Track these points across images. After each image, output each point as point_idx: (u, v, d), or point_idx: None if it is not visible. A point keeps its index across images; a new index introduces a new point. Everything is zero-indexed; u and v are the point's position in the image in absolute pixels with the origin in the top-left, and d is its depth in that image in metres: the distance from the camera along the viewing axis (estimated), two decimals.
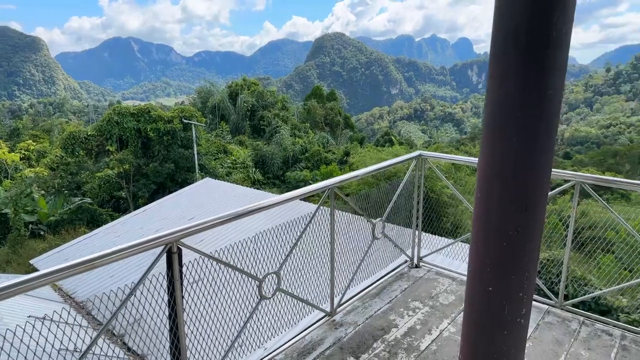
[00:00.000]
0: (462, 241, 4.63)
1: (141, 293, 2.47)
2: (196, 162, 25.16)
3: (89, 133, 24.67)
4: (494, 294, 2.32)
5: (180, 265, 2.60)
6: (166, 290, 2.59)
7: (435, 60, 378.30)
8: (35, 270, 11.86)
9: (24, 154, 29.59)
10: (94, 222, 21.86)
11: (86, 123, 64.79)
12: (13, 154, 28.15)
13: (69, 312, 2.32)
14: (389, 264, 4.66)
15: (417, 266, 4.89)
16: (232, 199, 15.49)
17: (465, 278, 4.51)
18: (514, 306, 2.32)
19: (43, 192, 23.67)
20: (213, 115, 39.04)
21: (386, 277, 4.60)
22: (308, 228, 3.49)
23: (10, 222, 19.88)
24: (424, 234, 4.99)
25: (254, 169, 31.14)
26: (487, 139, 2.14)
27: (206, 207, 15.12)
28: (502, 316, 2.31)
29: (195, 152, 25.15)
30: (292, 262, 3.47)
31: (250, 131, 40.41)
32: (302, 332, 3.68)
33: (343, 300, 4.04)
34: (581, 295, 4.42)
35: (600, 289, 5.06)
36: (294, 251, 3.40)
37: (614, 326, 3.77)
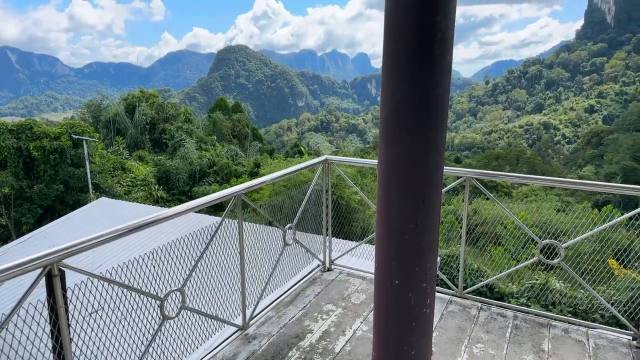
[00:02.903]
0: (368, 242, 4.76)
1: (15, 326, 2.11)
2: (89, 182, 22.97)
3: None
4: (400, 286, 2.40)
5: (64, 290, 2.28)
6: (47, 320, 2.25)
7: (337, 74, 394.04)
8: None
9: None
10: None
11: None
12: None
13: None
14: (301, 269, 4.63)
15: (329, 269, 4.92)
16: (132, 219, 14.36)
17: (374, 276, 4.65)
18: (420, 297, 2.41)
19: None
20: (107, 130, 36.14)
21: (299, 283, 4.55)
22: (214, 239, 3.32)
23: None
24: (335, 239, 5.06)
25: (156, 186, 29.34)
26: (383, 139, 2.22)
27: (104, 229, 13.83)
28: (409, 308, 2.39)
29: (88, 171, 22.96)
30: (198, 278, 3.26)
31: (151, 146, 38.11)
32: (213, 349, 3.47)
33: (256, 312, 3.90)
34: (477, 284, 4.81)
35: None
36: (199, 265, 3.20)
37: (507, 308, 4.14)
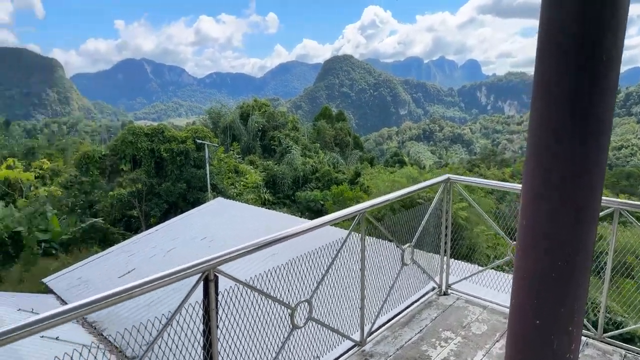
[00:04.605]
0: (493, 268, 4.49)
1: (177, 323, 2.39)
2: (208, 182, 25.25)
3: (103, 153, 24.95)
4: (541, 327, 2.22)
5: (217, 294, 2.53)
6: (202, 320, 2.51)
7: (444, 81, 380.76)
8: (49, 289, 11.71)
9: (38, 172, 29.96)
10: (106, 241, 21.87)
11: (99, 142, 65.79)
12: (28, 173, 28.51)
13: (97, 349, 2.24)
14: (417, 291, 4.53)
15: (445, 293, 4.75)
16: (245, 220, 15.43)
17: (496, 307, 4.37)
18: (563, 341, 2.21)
19: (56, 211, 23.82)
20: (224, 135, 39.39)
21: (415, 305, 4.46)
22: (339, 254, 3.41)
23: (24, 240, 19.95)
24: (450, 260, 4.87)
25: (264, 189, 31.16)
26: (531, 164, 2.07)
27: (219, 227, 15.06)
28: (550, 351, 2.20)
29: (208, 172, 25.27)
30: (323, 290, 3.37)
31: (261, 151, 40.63)
32: None
33: (373, 329, 3.91)
34: (621, 327, 4.24)
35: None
36: (325, 278, 3.31)
37: None
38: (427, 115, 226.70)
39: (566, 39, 1.81)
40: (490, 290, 4.63)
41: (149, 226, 22.35)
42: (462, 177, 4.56)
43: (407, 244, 4.08)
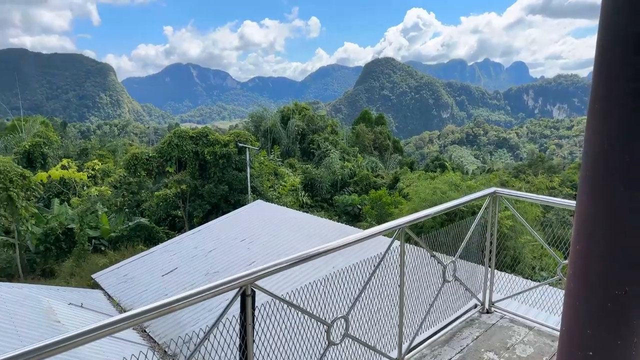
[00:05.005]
0: (542, 285, 4.25)
1: (214, 337, 2.40)
2: (249, 185, 25.72)
3: (150, 154, 25.99)
4: None
5: (253, 308, 2.52)
6: (238, 334, 2.51)
7: (489, 84, 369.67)
8: (96, 284, 12.29)
9: (90, 173, 31.63)
10: (151, 240, 22.75)
11: (147, 144, 68.69)
12: (81, 173, 30.16)
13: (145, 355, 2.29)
14: (458, 308, 4.36)
15: (488, 311, 4.54)
16: (284, 222, 15.58)
17: (544, 328, 4.13)
18: None
19: (106, 209, 25.06)
20: (265, 138, 40.07)
21: (456, 323, 4.29)
22: (377, 269, 3.33)
23: (76, 236, 21.10)
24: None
25: (302, 192, 31.37)
26: (587, 181, 1.91)
27: (258, 229, 15.28)
28: None
29: (249, 175, 25.75)
30: (360, 305, 3.30)
31: (300, 154, 40.99)
32: None
33: (411, 347, 3.79)
34: None
35: None
36: (362, 293, 3.24)
37: None
38: (471, 119, 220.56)
39: (629, 39, 1.65)
40: (538, 309, 4.39)
41: (192, 226, 23.06)
42: (510, 190, 4.35)
43: (449, 260, 3.94)
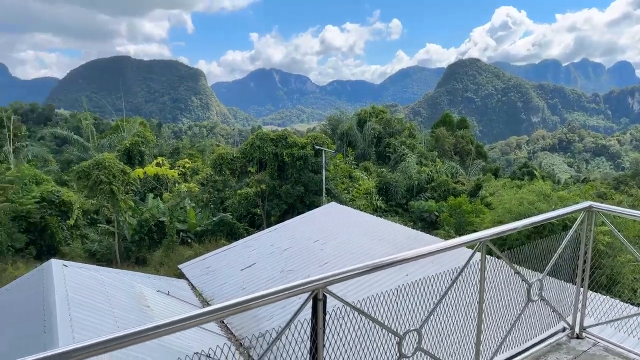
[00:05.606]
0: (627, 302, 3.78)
1: (286, 338, 2.45)
2: (323, 187, 26.08)
3: (234, 155, 27.43)
4: None
5: (324, 313, 2.54)
6: (309, 338, 2.54)
7: (587, 86, 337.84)
8: (182, 274, 13.24)
9: (181, 170, 34.20)
10: (233, 235, 24.03)
11: (232, 145, 72.76)
12: (173, 170, 32.74)
13: (228, 349, 2.41)
14: (543, 330, 4.02)
15: (578, 337, 4.13)
16: (356, 226, 15.55)
17: None
18: None
19: (193, 204, 26.94)
20: (341, 141, 40.32)
21: (540, 346, 3.96)
22: (454, 283, 3.18)
23: (166, 229, 22.95)
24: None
25: (376, 196, 31.05)
26: None
27: (332, 231, 15.41)
28: None
29: (324, 177, 26.12)
30: (435, 318, 3.18)
31: (376, 158, 40.62)
32: None
33: None
34: None
35: None
36: (437, 307, 3.11)
37: None
38: (565, 124, 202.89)
39: None
40: (638, 339, 3.90)
41: (269, 224, 23.96)
42: (608, 206, 3.92)
43: (535, 278, 3.64)
